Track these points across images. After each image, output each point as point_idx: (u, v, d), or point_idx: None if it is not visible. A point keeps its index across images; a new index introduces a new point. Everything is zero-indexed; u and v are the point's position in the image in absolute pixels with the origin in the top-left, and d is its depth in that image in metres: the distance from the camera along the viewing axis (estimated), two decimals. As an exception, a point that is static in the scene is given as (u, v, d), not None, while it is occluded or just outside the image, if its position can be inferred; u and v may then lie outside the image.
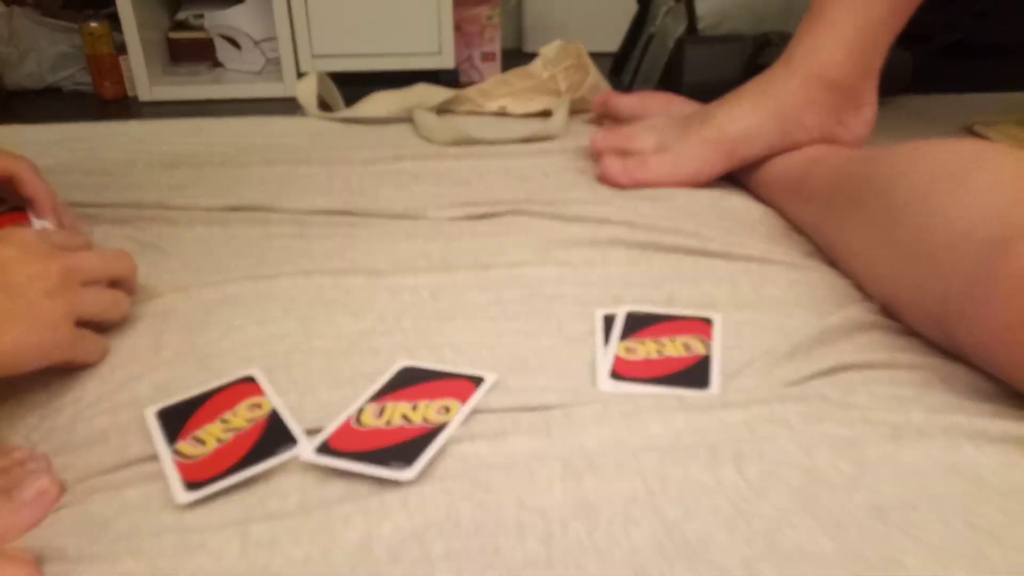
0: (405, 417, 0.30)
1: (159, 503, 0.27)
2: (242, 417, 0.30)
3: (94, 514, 0.27)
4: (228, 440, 0.29)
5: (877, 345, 0.35)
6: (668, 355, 0.34)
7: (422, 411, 0.30)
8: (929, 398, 0.31)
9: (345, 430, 0.29)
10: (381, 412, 0.30)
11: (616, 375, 0.33)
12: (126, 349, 0.35)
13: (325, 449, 0.28)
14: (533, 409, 0.31)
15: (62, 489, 0.28)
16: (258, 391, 0.32)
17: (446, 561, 0.24)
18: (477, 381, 0.32)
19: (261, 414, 0.30)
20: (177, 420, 0.30)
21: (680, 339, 0.35)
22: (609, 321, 0.36)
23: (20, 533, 0.26)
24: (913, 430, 0.29)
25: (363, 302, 0.39)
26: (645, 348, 0.34)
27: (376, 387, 0.32)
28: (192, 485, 0.27)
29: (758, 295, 0.39)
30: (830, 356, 0.34)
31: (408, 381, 0.32)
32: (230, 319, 0.37)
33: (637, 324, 0.36)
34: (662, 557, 0.24)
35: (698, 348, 0.34)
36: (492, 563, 0.24)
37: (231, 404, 0.31)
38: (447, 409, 0.30)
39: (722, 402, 0.30)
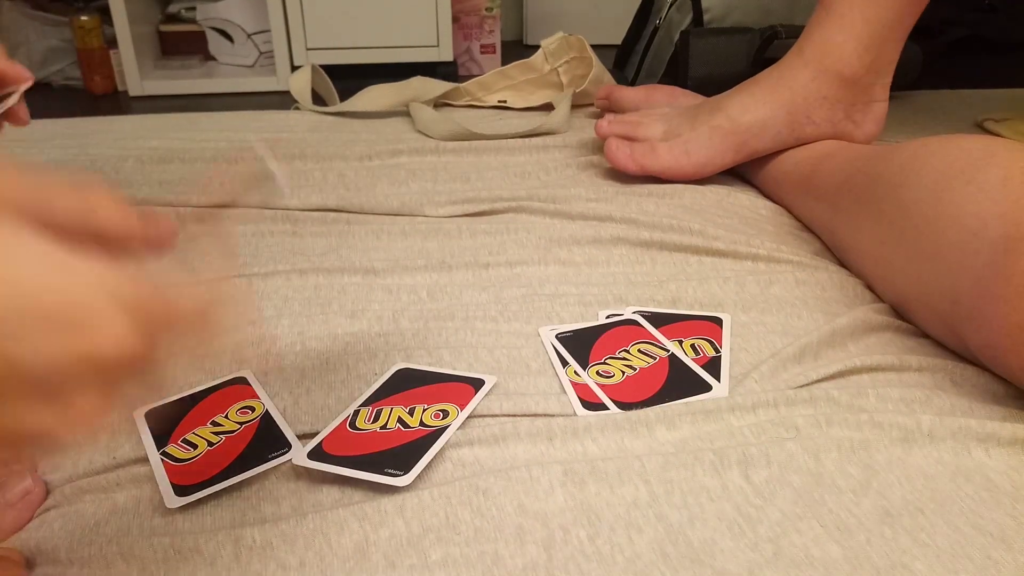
0: (401, 421, 0.29)
1: (150, 506, 0.26)
2: (233, 420, 0.29)
3: (85, 516, 0.26)
4: (219, 443, 0.28)
5: (886, 347, 0.35)
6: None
7: (419, 415, 0.29)
8: (939, 401, 0.31)
9: (339, 434, 0.29)
10: (376, 416, 0.29)
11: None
12: (115, 349, 0.35)
13: (319, 453, 0.28)
14: (534, 414, 0.30)
15: (46, 490, 0.27)
16: (250, 393, 0.31)
17: (444, 568, 0.24)
18: (476, 384, 0.31)
19: (253, 417, 0.30)
20: (167, 422, 0.30)
21: (688, 341, 0.34)
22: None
23: (7, 535, 0.26)
24: (922, 433, 0.28)
25: (359, 302, 0.38)
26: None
27: (372, 389, 0.31)
28: (182, 489, 0.26)
29: (765, 295, 0.39)
30: (839, 358, 0.33)
31: (405, 384, 0.31)
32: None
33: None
34: (665, 563, 0.24)
35: (707, 350, 0.34)
36: (491, 570, 0.24)
37: (222, 406, 0.30)
38: (445, 413, 0.29)
39: (728, 405, 0.30)
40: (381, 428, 0.29)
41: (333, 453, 0.28)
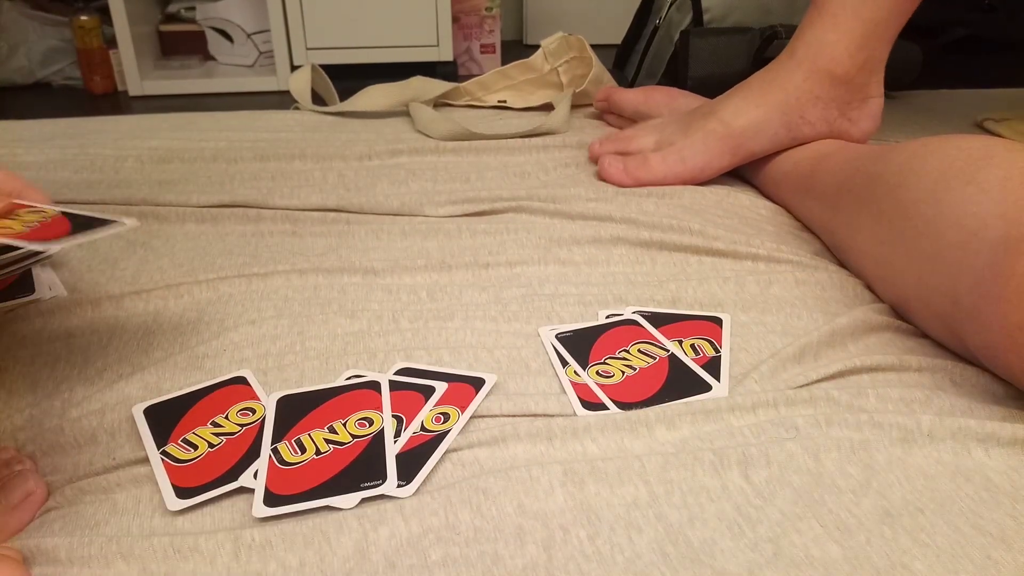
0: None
1: (150, 506, 0.26)
2: (234, 421, 0.29)
3: (85, 516, 0.26)
4: (220, 445, 0.28)
5: (886, 347, 0.35)
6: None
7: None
8: (939, 401, 0.31)
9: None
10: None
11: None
12: (115, 349, 0.35)
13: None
14: (534, 414, 0.30)
15: (48, 491, 0.27)
16: (250, 393, 0.31)
17: (444, 568, 0.24)
18: (476, 383, 0.31)
19: (254, 420, 0.30)
20: (167, 420, 0.29)
21: (688, 341, 0.34)
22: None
23: (8, 536, 0.26)
24: (922, 433, 0.28)
25: (359, 302, 0.38)
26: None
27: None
28: (183, 492, 0.26)
29: (765, 295, 0.39)
30: (838, 358, 0.33)
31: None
32: (222, 319, 0.37)
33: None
34: (665, 563, 0.24)
35: (707, 350, 0.33)
36: (491, 570, 0.24)
37: (223, 406, 0.30)
38: (446, 416, 0.29)
39: (728, 405, 0.30)
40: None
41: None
